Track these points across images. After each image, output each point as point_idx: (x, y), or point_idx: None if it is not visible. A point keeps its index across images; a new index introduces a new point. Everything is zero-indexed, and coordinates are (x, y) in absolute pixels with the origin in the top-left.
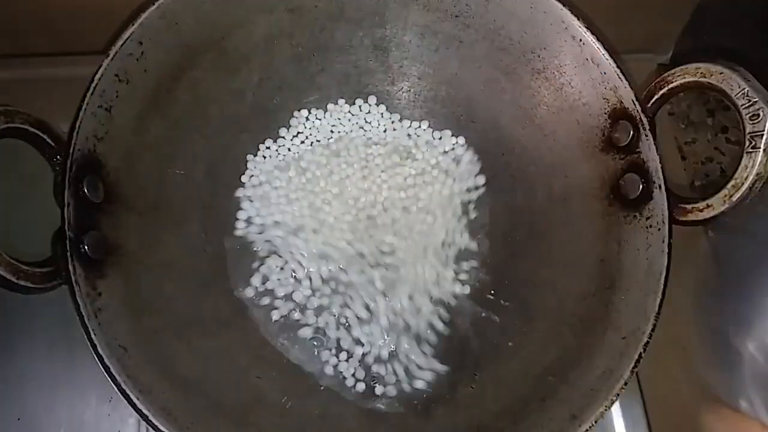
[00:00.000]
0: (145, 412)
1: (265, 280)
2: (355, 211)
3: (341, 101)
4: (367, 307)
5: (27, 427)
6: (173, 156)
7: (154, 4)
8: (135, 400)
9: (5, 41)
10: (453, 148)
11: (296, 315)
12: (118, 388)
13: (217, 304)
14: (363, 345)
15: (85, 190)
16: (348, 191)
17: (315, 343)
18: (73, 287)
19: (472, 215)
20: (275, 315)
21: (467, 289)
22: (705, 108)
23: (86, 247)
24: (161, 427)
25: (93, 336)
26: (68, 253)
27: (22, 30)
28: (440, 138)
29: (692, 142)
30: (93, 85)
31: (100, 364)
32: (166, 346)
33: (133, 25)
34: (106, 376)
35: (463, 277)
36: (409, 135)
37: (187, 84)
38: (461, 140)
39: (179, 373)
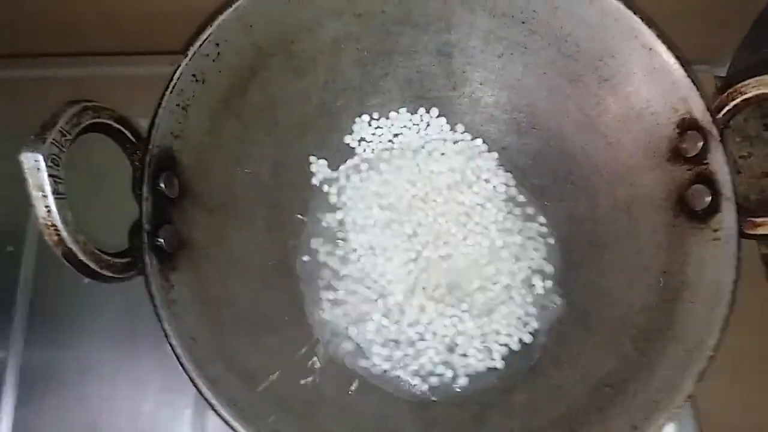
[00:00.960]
0: (213, 401)
1: (318, 280)
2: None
3: (403, 110)
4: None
5: (87, 411)
6: (242, 156)
7: (231, 6)
8: (204, 390)
9: (79, 40)
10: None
11: (350, 316)
12: (189, 377)
13: (280, 301)
14: (420, 345)
15: (162, 186)
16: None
17: (368, 341)
18: (149, 278)
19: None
20: (328, 316)
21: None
22: (762, 122)
23: (161, 240)
24: (228, 418)
25: (166, 325)
26: (145, 245)
27: (93, 29)
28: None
29: (748, 156)
30: (172, 84)
31: (173, 353)
32: (232, 340)
33: (210, 26)
34: (179, 364)
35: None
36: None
37: (257, 85)
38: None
39: (244, 366)
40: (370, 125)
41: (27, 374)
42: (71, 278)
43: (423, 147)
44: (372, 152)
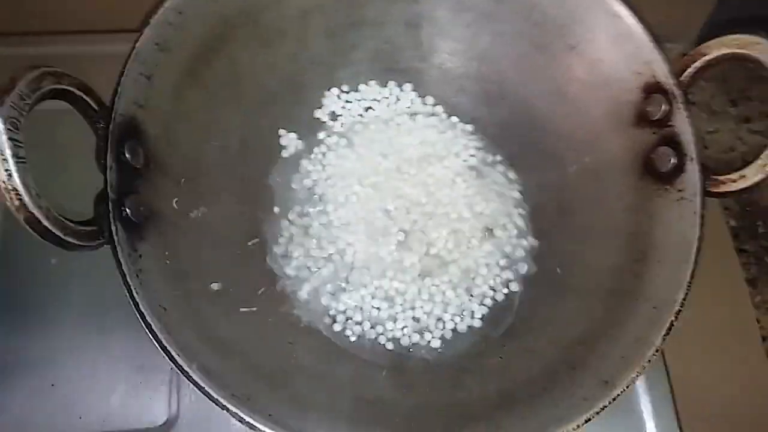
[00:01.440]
0: (186, 368)
1: (295, 253)
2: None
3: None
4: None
5: (61, 393)
6: (209, 127)
7: None
8: (176, 357)
9: (43, 18)
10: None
11: (326, 288)
12: (159, 346)
13: (251, 272)
14: (395, 312)
15: (126, 155)
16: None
17: (344, 312)
18: (116, 247)
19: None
20: (306, 287)
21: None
22: (728, 98)
23: (127, 210)
24: (202, 384)
25: (135, 294)
26: (110, 214)
27: (57, 8)
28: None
29: (714, 132)
30: (134, 52)
31: (141, 321)
32: (204, 310)
33: None
34: (148, 332)
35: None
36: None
37: (223, 56)
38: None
39: (216, 335)
40: (339, 98)
41: None
42: (37, 259)
43: (393, 119)
44: (342, 126)
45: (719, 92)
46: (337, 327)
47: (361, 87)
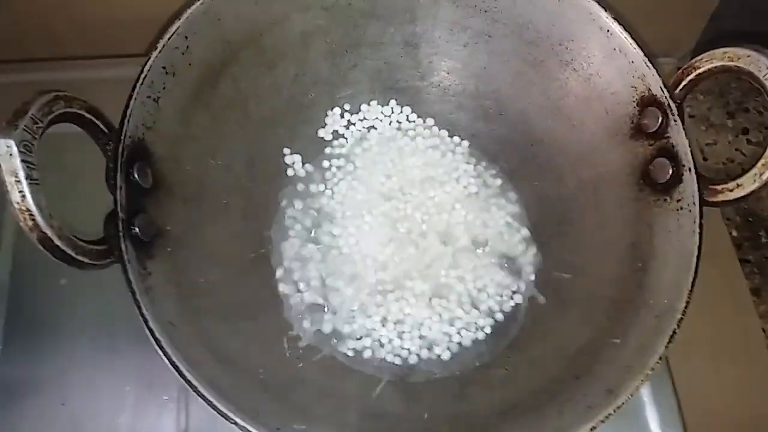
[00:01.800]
0: (194, 383)
1: (296, 269)
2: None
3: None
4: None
5: (71, 412)
6: (215, 147)
7: (198, 0)
8: (185, 372)
9: (50, 44)
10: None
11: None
12: (168, 361)
13: (258, 289)
14: (400, 327)
15: (135, 176)
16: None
17: (345, 324)
18: (126, 265)
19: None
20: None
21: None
22: (725, 110)
23: (136, 229)
24: (210, 398)
25: (144, 311)
26: (120, 233)
27: (64, 34)
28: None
29: (713, 144)
30: (143, 76)
31: (151, 337)
32: (211, 326)
33: (179, 20)
34: (157, 348)
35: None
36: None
37: (227, 79)
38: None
39: (224, 351)
40: (342, 117)
41: (6, 379)
42: (48, 280)
43: (395, 140)
44: (344, 146)
45: (717, 105)
46: (343, 348)
47: (363, 107)
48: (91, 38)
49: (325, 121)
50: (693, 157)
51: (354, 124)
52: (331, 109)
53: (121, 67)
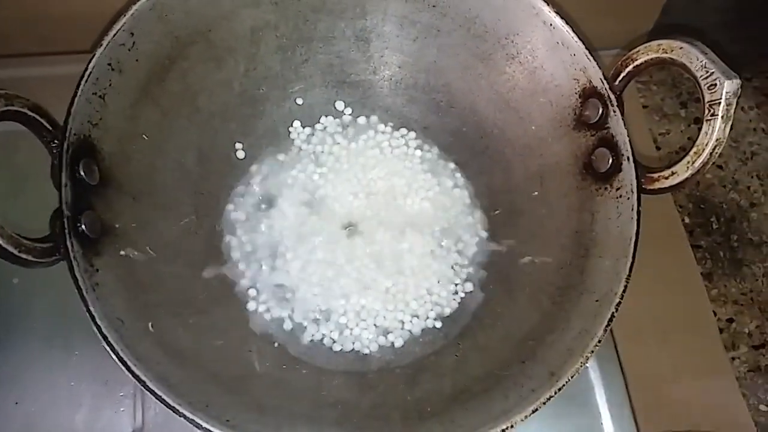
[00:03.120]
0: (143, 378)
1: (247, 262)
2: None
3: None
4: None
5: (25, 411)
6: (165, 143)
7: None
8: (132, 368)
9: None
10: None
11: (278, 294)
12: (116, 357)
13: (208, 283)
14: (350, 318)
15: (82, 173)
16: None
17: (298, 316)
18: (72, 262)
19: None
20: (257, 296)
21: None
22: (678, 100)
23: (83, 226)
24: (158, 392)
25: (91, 308)
26: (66, 231)
27: (10, 31)
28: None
29: (666, 134)
30: (87, 73)
31: (98, 334)
32: (161, 321)
33: (124, 16)
34: (105, 345)
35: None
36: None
37: (176, 74)
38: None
39: (174, 345)
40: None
41: None
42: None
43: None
44: (296, 139)
45: (670, 95)
46: (297, 339)
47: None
48: (35, 34)
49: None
50: (631, 147)
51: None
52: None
53: (67, 63)
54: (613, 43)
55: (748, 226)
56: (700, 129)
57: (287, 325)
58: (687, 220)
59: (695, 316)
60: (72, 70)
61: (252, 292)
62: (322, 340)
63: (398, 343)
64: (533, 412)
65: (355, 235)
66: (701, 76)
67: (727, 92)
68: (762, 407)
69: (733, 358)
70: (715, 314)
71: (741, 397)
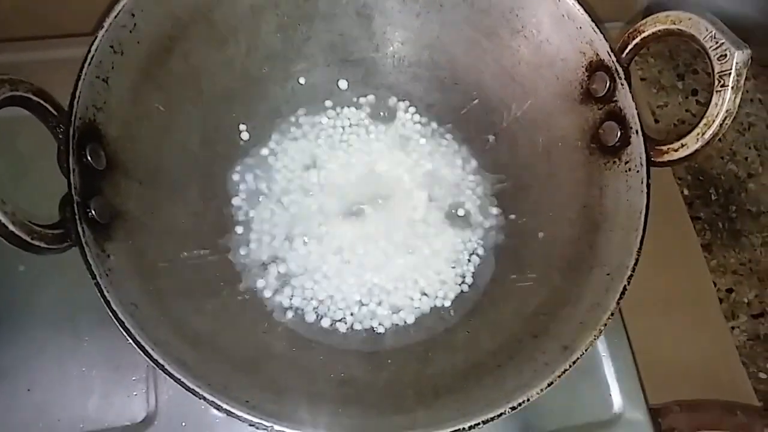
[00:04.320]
0: (161, 361)
1: (257, 244)
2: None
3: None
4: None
5: (38, 398)
6: (169, 126)
7: None
8: (150, 351)
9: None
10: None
11: (289, 275)
12: (133, 341)
13: (219, 266)
14: (362, 297)
15: (88, 158)
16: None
17: (310, 297)
18: (84, 248)
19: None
20: (268, 277)
21: None
22: (675, 72)
23: (93, 211)
24: (178, 375)
25: (106, 293)
26: (76, 216)
27: (7, 15)
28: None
29: (664, 106)
30: (90, 56)
31: (114, 319)
32: (175, 304)
33: None
34: (121, 330)
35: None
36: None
37: (178, 55)
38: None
39: (189, 328)
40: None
41: None
42: (6, 267)
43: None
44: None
45: (667, 67)
46: (306, 316)
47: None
48: (34, 18)
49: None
50: (640, 120)
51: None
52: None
53: (69, 47)
54: (610, 17)
55: (746, 197)
56: (697, 101)
57: (299, 305)
58: (686, 192)
59: (695, 286)
60: (72, 54)
61: (263, 274)
62: (334, 319)
63: (410, 320)
64: (549, 386)
65: (363, 214)
66: (711, 47)
67: (737, 63)
68: (761, 375)
69: (733, 328)
70: (714, 285)
71: (741, 365)
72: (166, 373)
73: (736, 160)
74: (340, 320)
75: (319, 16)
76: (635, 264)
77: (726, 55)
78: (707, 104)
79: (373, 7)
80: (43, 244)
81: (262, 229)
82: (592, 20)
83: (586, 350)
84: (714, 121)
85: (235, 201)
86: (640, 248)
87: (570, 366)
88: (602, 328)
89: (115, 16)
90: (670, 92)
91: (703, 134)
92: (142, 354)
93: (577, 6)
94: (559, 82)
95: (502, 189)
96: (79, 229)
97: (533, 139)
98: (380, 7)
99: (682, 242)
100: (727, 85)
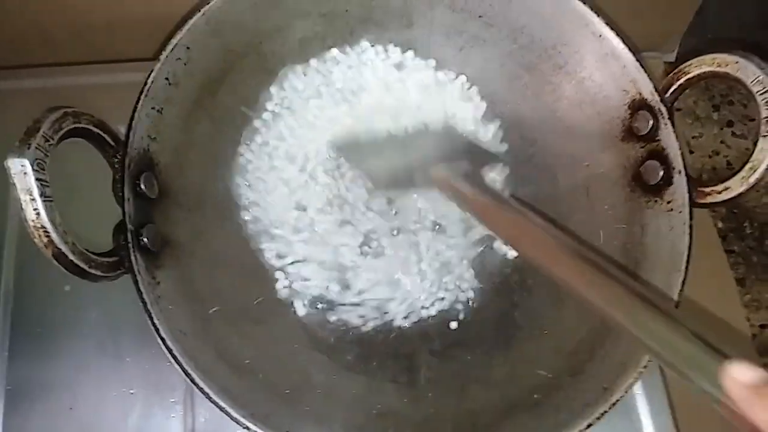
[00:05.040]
0: (207, 390)
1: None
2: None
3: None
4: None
5: (79, 417)
6: (216, 153)
7: (200, 11)
8: (197, 380)
9: (51, 50)
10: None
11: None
12: (181, 369)
13: (263, 293)
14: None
15: (142, 187)
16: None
17: (346, 327)
18: (136, 276)
19: None
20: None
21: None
22: (710, 103)
23: (145, 239)
24: (222, 404)
25: (156, 321)
26: (130, 245)
27: (64, 39)
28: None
29: (699, 137)
30: (146, 88)
31: (163, 347)
32: (220, 332)
33: (181, 31)
34: (170, 358)
35: None
36: None
37: (228, 86)
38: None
39: (233, 356)
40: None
41: (13, 385)
42: (52, 286)
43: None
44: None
45: (702, 98)
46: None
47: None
48: (88, 42)
49: None
50: (684, 160)
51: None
52: None
53: (121, 72)
54: (643, 45)
55: None
56: (733, 133)
57: (336, 337)
58: (720, 225)
59: (729, 321)
60: (123, 79)
61: (303, 302)
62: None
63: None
64: (588, 426)
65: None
66: (758, 91)
67: None
68: None
69: (765, 364)
70: (748, 320)
71: None
72: (213, 403)
73: None
74: (372, 360)
75: None
76: (677, 306)
77: None
78: (743, 136)
79: (417, 41)
80: (99, 272)
81: (301, 258)
82: (637, 59)
83: (626, 392)
84: (759, 166)
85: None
86: (681, 290)
87: (610, 407)
88: (642, 370)
89: (172, 49)
90: (705, 123)
91: (748, 178)
92: (190, 382)
93: (622, 45)
94: (600, 118)
95: None
96: (132, 257)
97: (572, 175)
98: (423, 41)
99: (716, 275)
100: None
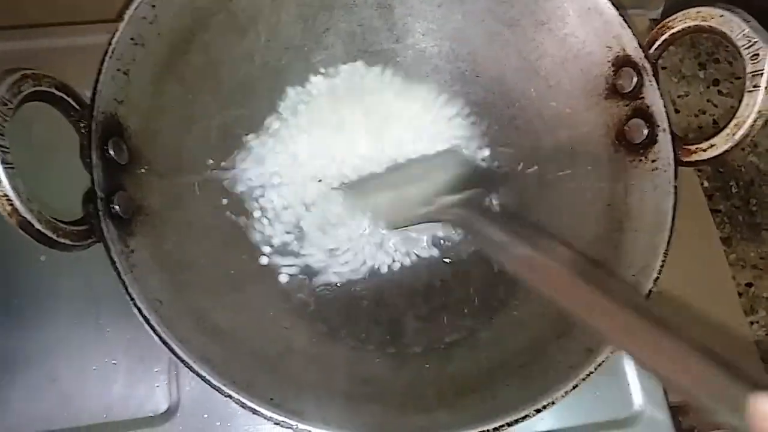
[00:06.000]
0: (186, 359)
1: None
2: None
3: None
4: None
5: (62, 389)
6: (189, 118)
7: None
8: (175, 349)
9: (12, 13)
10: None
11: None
12: (159, 339)
13: (241, 260)
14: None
15: (111, 152)
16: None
17: (329, 293)
18: (108, 244)
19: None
20: (289, 271)
21: None
22: (696, 61)
23: (116, 207)
24: (203, 373)
25: (130, 290)
26: (100, 212)
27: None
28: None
29: (685, 95)
30: (110, 48)
31: (139, 316)
32: (198, 300)
33: None
34: (147, 327)
35: None
36: None
37: (198, 47)
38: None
39: (212, 324)
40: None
41: None
42: (26, 258)
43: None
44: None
45: (688, 56)
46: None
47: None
48: (51, 3)
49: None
50: (668, 118)
51: None
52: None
53: (86, 34)
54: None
55: (767, 190)
56: (719, 91)
57: (314, 301)
58: (706, 184)
59: (715, 280)
60: (89, 41)
61: (282, 265)
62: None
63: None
64: (573, 387)
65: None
66: (743, 45)
67: None
68: None
69: (752, 323)
70: (734, 278)
71: (760, 360)
72: (192, 371)
73: (758, 152)
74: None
75: (339, 6)
76: (662, 266)
77: (759, 55)
78: (730, 94)
79: None
80: (68, 241)
81: (282, 224)
82: (620, 14)
83: (611, 353)
84: (745, 122)
85: (254, 193)
86: (666, 250)
87: (595, 369)
88: None
89: (136, 8)
90: (691, 82)
91: (734, 135)
92: (168, 351)
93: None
94: (584, 76)
95: (527, 185)
96: (103, 225)
97: (556, 135)
98: None
99: (702, 235)
100: (760, 86)
